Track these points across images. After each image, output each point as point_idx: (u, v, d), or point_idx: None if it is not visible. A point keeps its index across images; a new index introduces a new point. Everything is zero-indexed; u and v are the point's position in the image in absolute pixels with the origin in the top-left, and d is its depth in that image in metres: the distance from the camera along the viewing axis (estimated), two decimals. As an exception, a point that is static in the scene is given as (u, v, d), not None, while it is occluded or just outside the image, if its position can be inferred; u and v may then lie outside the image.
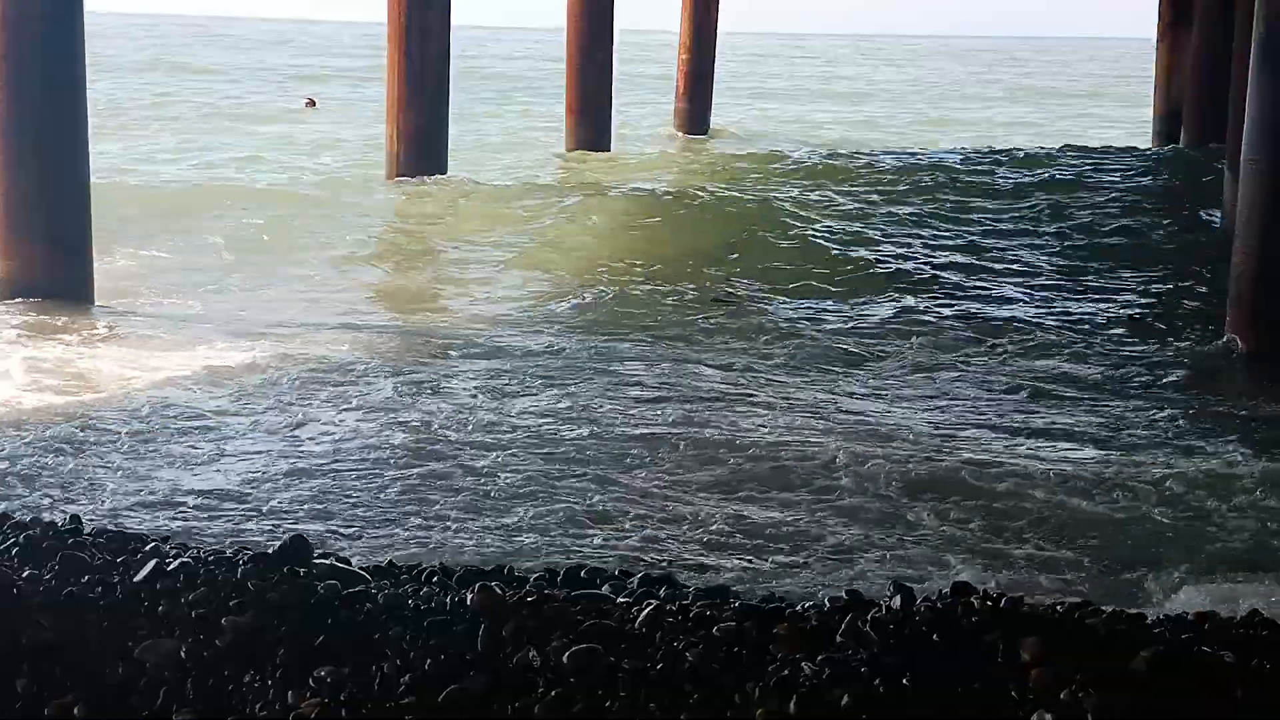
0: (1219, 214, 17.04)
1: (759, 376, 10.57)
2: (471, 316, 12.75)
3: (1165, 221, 18.49)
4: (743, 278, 14.56)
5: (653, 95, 39.79)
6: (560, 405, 9.51)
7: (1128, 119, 36.40)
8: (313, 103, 35.71)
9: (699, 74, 29.40)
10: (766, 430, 8.98)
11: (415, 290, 14.13)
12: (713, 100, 30.13)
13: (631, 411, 9.42)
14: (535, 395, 9.81)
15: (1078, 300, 13.96)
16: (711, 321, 12.47)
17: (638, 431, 8.96)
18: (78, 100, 12.24)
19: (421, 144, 18.65)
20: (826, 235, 16.92)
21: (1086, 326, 12.73)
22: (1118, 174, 22.30)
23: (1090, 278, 15.18)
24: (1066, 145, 26.22)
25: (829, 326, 12.48)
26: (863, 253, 16.06)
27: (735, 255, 15.68)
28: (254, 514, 7.52)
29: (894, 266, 15.45)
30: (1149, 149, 25.83)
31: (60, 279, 12.26)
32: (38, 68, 11.98)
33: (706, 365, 10.76)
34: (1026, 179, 21.91)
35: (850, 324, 12.63)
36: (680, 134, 29.44)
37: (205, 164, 23.77)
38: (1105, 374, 10.91)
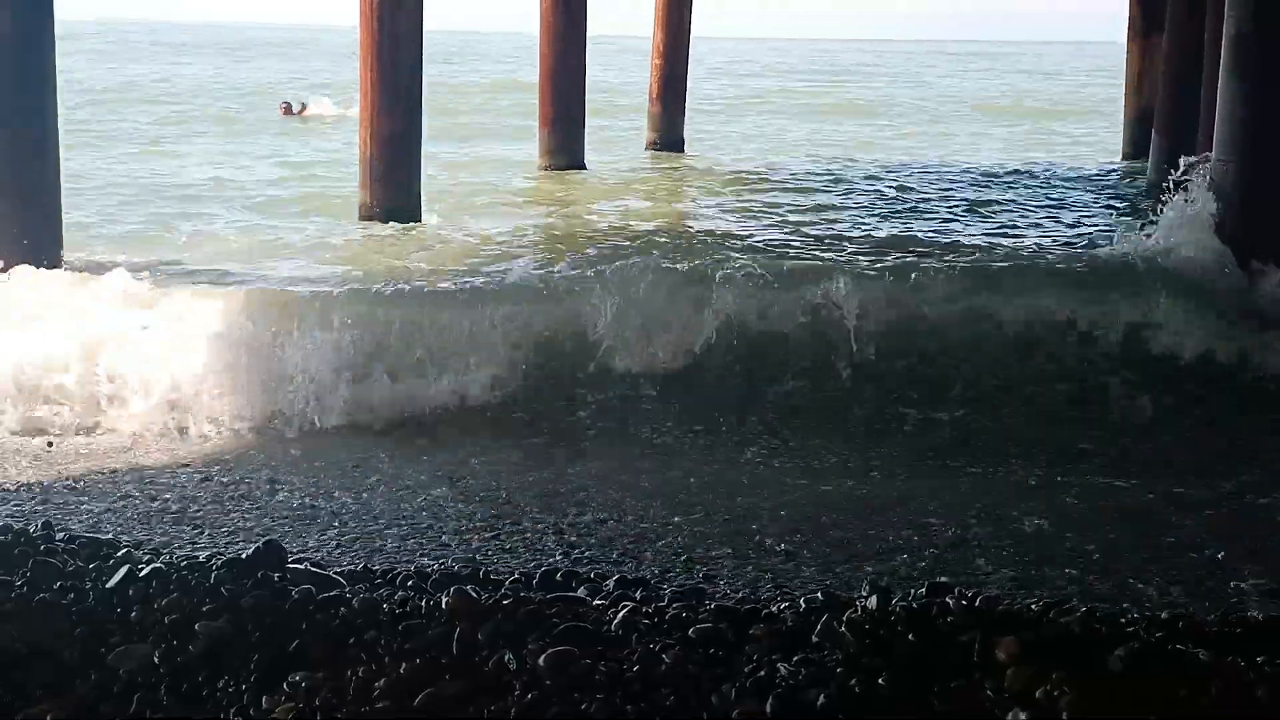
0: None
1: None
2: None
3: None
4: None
5: (627, 101, 39.72)
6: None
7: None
8: (289, 108, 34.67)
9: (673, 79, 29.38)
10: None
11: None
12: (686, 105, 30.10)
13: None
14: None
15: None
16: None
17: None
18: (47, 86, 12.42)
19: (395, 148, 18.58)
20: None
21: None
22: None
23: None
24: None
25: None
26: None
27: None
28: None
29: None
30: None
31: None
32: (6, 58, 12.13)
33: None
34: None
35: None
36: (653, 148, 29.24)
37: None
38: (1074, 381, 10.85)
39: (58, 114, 12.63)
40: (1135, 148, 26.59)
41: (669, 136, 29.40)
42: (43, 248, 12.42)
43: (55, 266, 12.42)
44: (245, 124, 30.97)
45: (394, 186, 18.64)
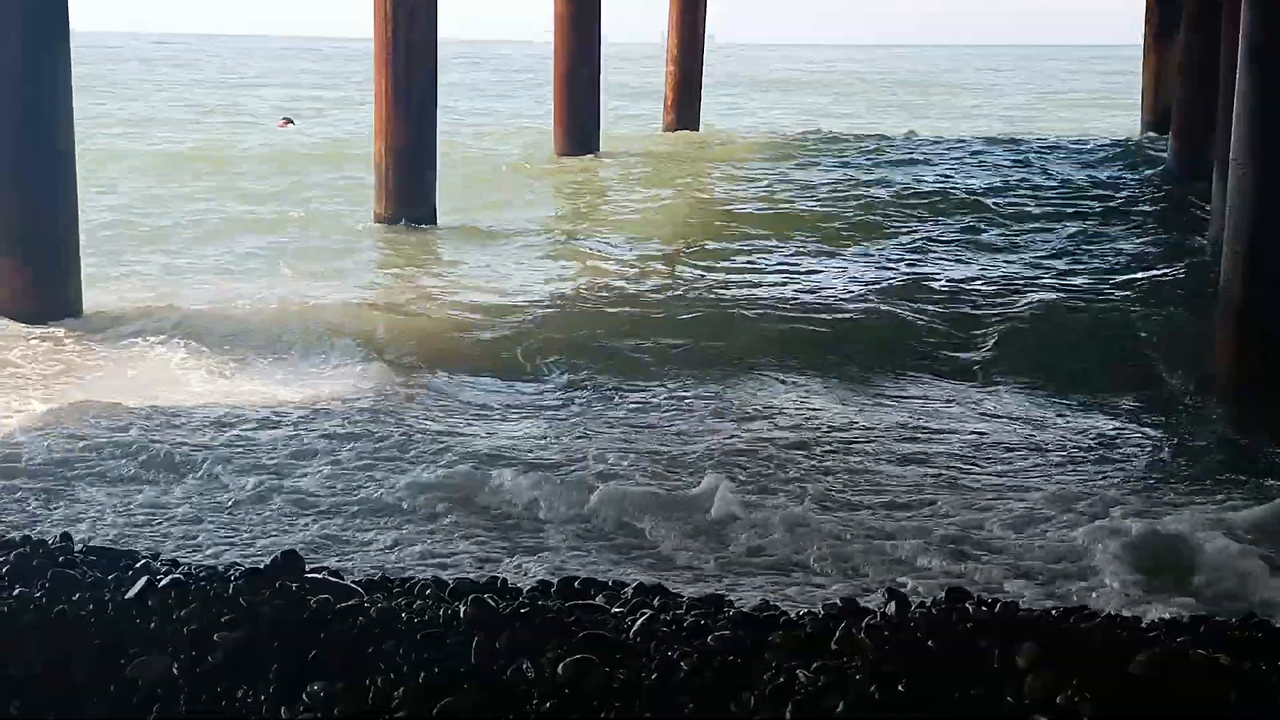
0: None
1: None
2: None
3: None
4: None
5: (641, 107, 39.81)
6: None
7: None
8: (289, 121, 34.73)
9: (687, 85, 29.42)
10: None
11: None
12: (701, 111, 30.13)
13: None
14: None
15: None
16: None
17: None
18: (62, 122, 12.19)
19: (410, 161, 18.63)
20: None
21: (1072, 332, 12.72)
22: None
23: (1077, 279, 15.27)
24: None
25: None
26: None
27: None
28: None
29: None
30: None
31: (47, 302, 12.19)
32: (20, 89, 11.91)
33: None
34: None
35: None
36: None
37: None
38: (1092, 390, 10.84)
39: (74, 160, 12.38)
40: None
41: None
42: (56, 295, 12.26)
43: (73, 315, 12.17)
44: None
45: (409, 197, 18.72)
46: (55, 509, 7.68)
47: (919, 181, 23.28)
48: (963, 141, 30.24)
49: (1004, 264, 16.25)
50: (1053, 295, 14.18)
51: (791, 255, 16.59)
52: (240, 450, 8.74)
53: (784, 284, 14.63)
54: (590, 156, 25.42)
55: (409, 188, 18.66)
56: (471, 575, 6.29)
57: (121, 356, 11.37)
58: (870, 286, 14.41)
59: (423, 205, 18.73)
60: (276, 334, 12.05)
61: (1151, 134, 28.51)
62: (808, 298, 13.85)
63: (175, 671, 4.64)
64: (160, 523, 7.52)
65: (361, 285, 14.85)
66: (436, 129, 18.99)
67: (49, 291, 12.23)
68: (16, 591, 5.20)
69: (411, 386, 10.47)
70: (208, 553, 7.00)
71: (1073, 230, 18.59)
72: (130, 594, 5.16)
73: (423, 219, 18.43)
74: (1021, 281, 15.06)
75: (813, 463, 8.66)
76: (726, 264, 15.93)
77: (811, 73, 69.34)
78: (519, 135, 32.65)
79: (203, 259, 16.49)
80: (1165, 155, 24.66)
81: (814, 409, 9.92)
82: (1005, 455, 8.93)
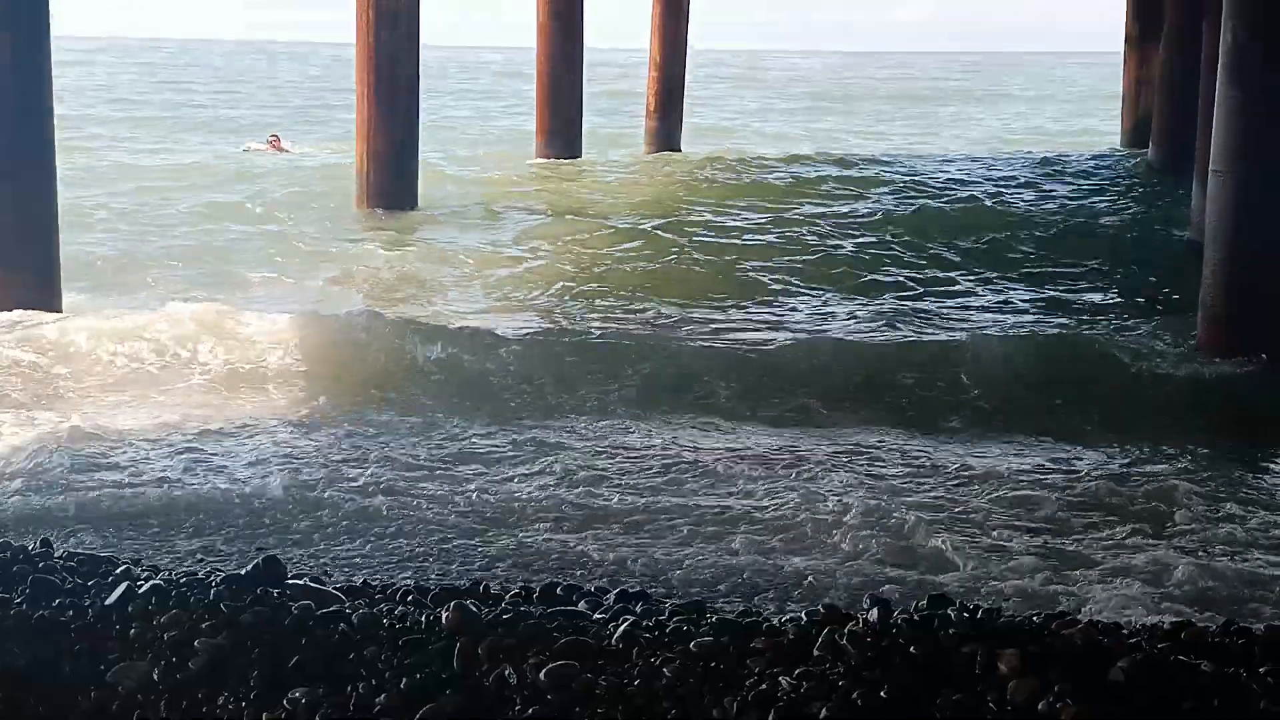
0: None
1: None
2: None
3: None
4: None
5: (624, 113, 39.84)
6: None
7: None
8: (278, 143, 32.21)
9: (670, 91, 29.39)
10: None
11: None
12: (683, 117, 30.12)
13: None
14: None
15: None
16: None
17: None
18: (44, 124, 12.19)
19: (391, 163, 18.64)
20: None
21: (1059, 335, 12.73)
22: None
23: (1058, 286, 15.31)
24: None
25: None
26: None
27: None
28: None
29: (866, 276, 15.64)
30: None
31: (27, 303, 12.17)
32: (11, 81, 11.94)
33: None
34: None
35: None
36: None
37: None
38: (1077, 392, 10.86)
39: (55, 159, 12.43)
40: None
41: (667, 147, 29.43)
42: (40, 291, 12.26)
43: (53, 310, 12.22)
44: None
45: (389, 199, 18.72)
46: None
47: (901, 200, 22.74)
48: (946, 155, 30.22)
49: (982, 276, 16.20)
50: (1033, 305, 14.22)
51: (771, 271, 16.41)
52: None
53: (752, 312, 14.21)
54: (572, 162, 25.48)
55: (390, 189, 18.68)
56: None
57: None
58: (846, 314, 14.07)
59: (403, 205, 18.75)
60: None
61: (1132, 141, 28.70)
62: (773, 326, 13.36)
63: (156, 677, 4.62)
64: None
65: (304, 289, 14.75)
66: (418, 132, 19.01)
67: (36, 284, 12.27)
68: (-4, 597, 5.19)
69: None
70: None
71: (1053, 236, 18.65)
72: (110, 600, 5.14)
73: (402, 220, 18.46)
74: (1002, 292, 15.07)
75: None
76: (701, 278, 15.79)
77: (800, 81, 69.50)
78: (499, 141, 32.63)
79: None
80: (1145, 162, 24.85)
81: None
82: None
